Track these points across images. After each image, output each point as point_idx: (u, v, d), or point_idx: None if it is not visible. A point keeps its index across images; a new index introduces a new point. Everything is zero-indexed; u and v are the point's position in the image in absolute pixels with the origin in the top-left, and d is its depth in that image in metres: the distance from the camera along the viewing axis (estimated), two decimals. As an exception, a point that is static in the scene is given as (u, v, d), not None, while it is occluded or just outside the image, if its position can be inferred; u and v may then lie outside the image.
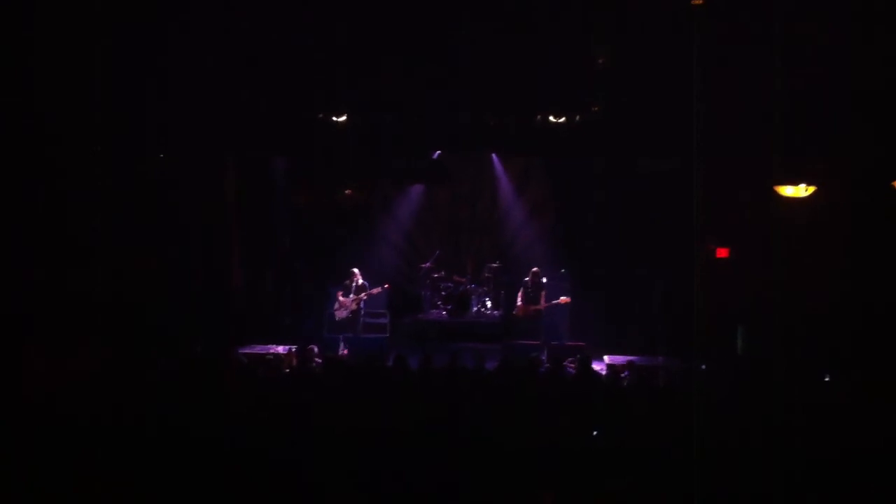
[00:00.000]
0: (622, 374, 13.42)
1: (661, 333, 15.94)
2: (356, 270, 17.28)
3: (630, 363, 14.41)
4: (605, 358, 15.13)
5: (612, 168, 17.29)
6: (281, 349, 15.23)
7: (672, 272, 15.50)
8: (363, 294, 17.13)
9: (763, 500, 9.14)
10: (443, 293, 18.60)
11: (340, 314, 17.09)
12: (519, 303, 17.31)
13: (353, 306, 17.08)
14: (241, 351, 14.94)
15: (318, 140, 17.07)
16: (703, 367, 11.36)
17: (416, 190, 19.75)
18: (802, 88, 13.36)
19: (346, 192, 19.85)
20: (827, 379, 12.48)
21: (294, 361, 13.88)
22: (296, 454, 9.58)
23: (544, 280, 17.18)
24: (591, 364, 13.38)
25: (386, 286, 17.36)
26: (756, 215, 14.44)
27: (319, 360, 13.56)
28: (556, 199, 19.25)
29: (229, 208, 17.60)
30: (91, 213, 13.45)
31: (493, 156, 19.54)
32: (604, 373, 13.97)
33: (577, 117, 16.55)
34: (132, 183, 14.37)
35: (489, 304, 18.73)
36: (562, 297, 16.96)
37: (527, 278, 17.22)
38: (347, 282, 17.19)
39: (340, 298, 17.14)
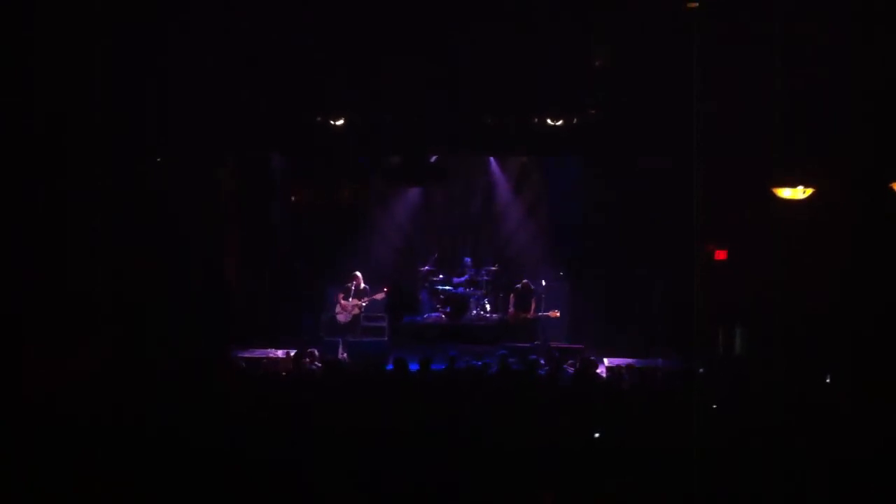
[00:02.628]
0: (623, 377, 13.43)
1: (660, 334, 15.92)
2: (358, 273, 17.24)
3: (630, 366, 14.40)
4: (605, 360, 15.09)
5: (611, 168, 17.27)
6: (280, 353, 15.20)
7: (672, 272, 15.50)
8: (365, 299, 17.08)
9: (763, 500, 9.13)
10: (441, 296, 18.55)
11: (342, 317, 17.03)
12: (510, 309, 17.42)
13: (355, 310, 17.03)
14: (240, 355, 14.96)
15: (316, 140, 17.06)
16: (703, 369, 11.41)
17: (414, 190, 19.71)
18: (802, 88, 13.37)
19: (344, 191, 19.84)
20: (828, 380, 12.48)
21: (293, 365, 13.87)
22: (296, 454, 9.58)
23: (543, 283, 17.27)
24: (589, 366, 13.35)
25: (385, 290, 17.30)
26: (756, 215, 14.43)
27: (319, 364, 13.56)
28: (554, 198, 19.22)
29: (228, 208, 17.58)
30: (91, 213, 13.44)
31: (491, 157, 19.53)
32: (603, 375, 13.97)
33: (575, 120, 16.54)
34: (132, 183, 14.35)
35: (487, 306, 18.69)
36: (552, 311, 17.01)
37: (517, 286, 17.33)
38: (349, 284, 17.13)
39: (342, 301, 17.09)
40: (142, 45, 13.77)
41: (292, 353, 14.45)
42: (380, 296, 17.19)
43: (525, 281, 17.46)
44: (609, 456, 9.81)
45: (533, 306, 17.16)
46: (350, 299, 17.07)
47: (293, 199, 19.42)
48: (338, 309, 17.12)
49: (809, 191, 13.91)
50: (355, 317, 17.05)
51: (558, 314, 17.04)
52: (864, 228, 14.18)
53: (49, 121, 12.67)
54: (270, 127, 16.48)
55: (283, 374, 13.71)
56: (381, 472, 9.34)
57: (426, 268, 18.78)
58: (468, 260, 18.87)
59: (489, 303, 18.69)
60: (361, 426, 10.20)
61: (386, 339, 17.42)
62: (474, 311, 18.51)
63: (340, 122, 16.59)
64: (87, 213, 13.45)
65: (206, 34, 14.48)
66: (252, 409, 10.93)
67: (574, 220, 18.44)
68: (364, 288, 17.16)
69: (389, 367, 13.10)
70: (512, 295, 17.52)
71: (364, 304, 17.07)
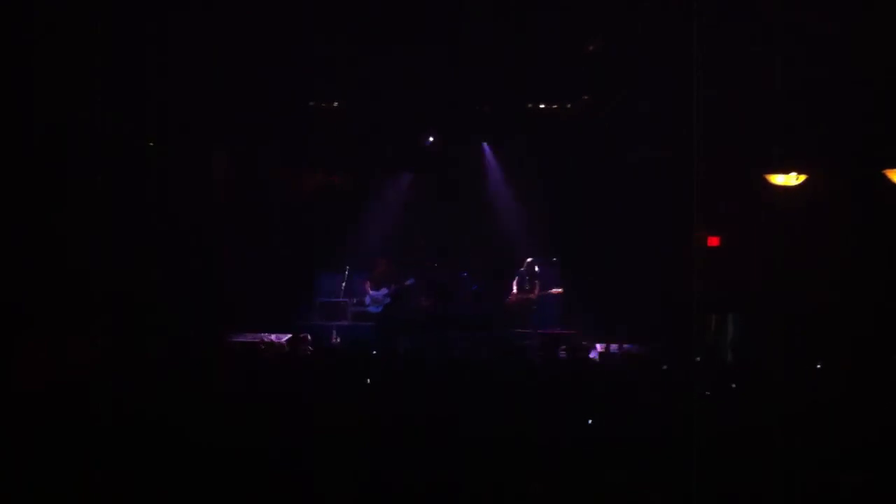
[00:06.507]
0: (615, 362, 13.46)
1: (654, 322, 15.95)
2: (383, 260, 17.12)
3: (623, 352, 14.44)
4: (597, 346, 15.14)
5: (606, 156, 17.29)
6: (273, 338, 15.18)
7: (667, 261, 15.51)
8: (393, 286, 16.91)
9: (761, 493, 9.14)
10: (433, 282, 18.48)
11: (374, 309, 16.82)
12: (513, 291, 17.42)
13: (387, 300, 16.85)
14: (234, 339, 14.94)
15: (310, 127, 17.02)
16: (698, 358, 11.41)
17: (408, 177, 19.68)
18: (801, 78, 13.39)
19: (337, 178, 19.79)
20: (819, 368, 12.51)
21: (287, 349, 13.88)
22: (293, 451, 9.54)
23: (537, 269, 17.27)
24: (583, 351, 13.41)
25: (412, 280, 17.22)
26: (752, 206, 14.47)
27: (311, 349, 13.56)
28: (549, 186, 19.19)
29: (223, 196, 17.53)
30: (88, 204, 13.38)
31: (485, 143, 19.50)
32: (596, 360, 14.02)
33: (569, 107, 16.57)
34: (128, 172, 14.30)
35: (480, 292, 18.64)
36: (554, 289, 17.10)
37: (521, 268, 17.33)
38: (376, 273, 16.92)
39: (371, 292, 16.90)
40: (139, 36, 13.71)
41: (283, 338, 14.43)
42: (409, 282, 17.09)
43: (529, 259, 17.53)
44: (604, 446, 9.79)
45: (537, 286, 17.27)
46: (381, 289, 16.91)
47: (288, 186, 19.39)
48: (368, 300, 16.94)
49: (803, 177, 13.96)
50: (387, 306, 16.85)
51: (561, 291, 17.21)
52: (859, 218, 14.23)
53: (47, 114, 12.65)
54: (265, 114, 16.43)
55: (278, 359, 13.71)
56: (374, 463, 9.31)
57: (418, 253, 18.75)
58: (460, 245, 18.87)
59: (481, 288, 18.64)
60: (353, 414, 10.18)
61: (378, 324, 17.39)
62: (466, 297, 18.47)
63: (335, 109, 16.57)
64: (84, 204, 13.40)
65: (199, 21, 14.42)
66: (247, 397, 10.91)
67: (568, 207, 18.44)
68: (391, 274, 17.00)
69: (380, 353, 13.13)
70: (515, 278, 17.58)
71: (394, 291, 16.92)
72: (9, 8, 12.18)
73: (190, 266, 16.10)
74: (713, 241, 15.41)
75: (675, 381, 11.44)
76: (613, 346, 14.86)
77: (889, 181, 13.42)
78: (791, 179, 14.00)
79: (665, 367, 12.39)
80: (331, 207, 19.38)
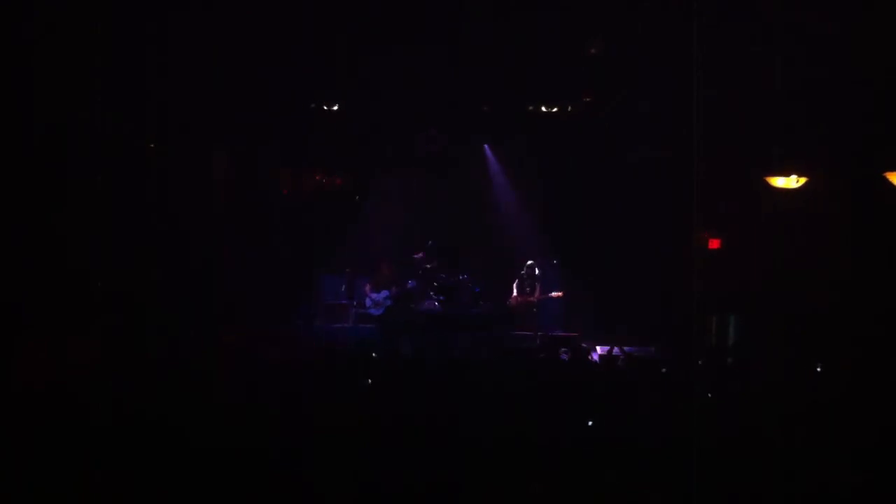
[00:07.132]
0: (616, 364, 13.43)
1: (655, 324, 15.96)
2: (384, 261, 17.08)
3: (624, 353, 14.41)
4: (598, 348, 15.13)
5: (607, 156, 17.29)
6: None
7: (667, 262, 15.52)
8: (394, 289, 16.86)
9: (761, 493, 9.12)
10: (435, 284, 18.47)
11: (375, 311, 16.75)
12: (514, 294, 17.42)
13: (388, 302, 16.80)
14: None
15: (310, 127, 17.01)
16: (700, 361, 11.41)
17: (409, 178, 19.67)
18: (801, 78, 13.38)
19: (337, 179, 19.79)
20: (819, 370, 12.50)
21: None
22: (293, 451, 9.52)
23: (538, 272, 17.28)
24: (584, 353, 13.40)
25: (413, 283, 17.18)
26: (752, 207, 14.45)
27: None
28: (549, 186, 19.21)
29: (221, 196, 17.52)
30: (89, 204, 13.39)
31: (486, 144, 19.51)
32: (597, 362, 14.00)
33: (570, 108, 16.57)
34: (128, 173, 14.29)
35: (482, 294, 18.63)
36: (554, 292, 17.12)
37: (522, 271, 17.35)
38: (377, 275, 16.87)
39: (372, 295, 16.84)
40: (139, 36, 13.71)
41: None
42: (411, 284, 17.06)
43: (530, 262, 17.52)
44: (606, 447, 9.78)
45: (538, 289, 17.27)
46: (382, 292, 16.88)
47: (288, 186, 19.39)
48: (369, 303, 16.88)
49: (803, 180, 13.96)
50: (388, 308, 16.80)
51: (562, 294, 17.21)
52: (859, 219, 14.22)
53: (47, 114, 12.63)
54: (265, 114, 16.43)
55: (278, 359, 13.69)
56: (374, 463, 9.29)
57: (420, 255, 18.71)
58: (461, 247, 18.84)
59: (483, 290, 18.63)
60: (353, 415, 10.17)
61: (380, 326, 17.37)
62: (468, 299, 18.45)
63: (334, 109, 16.55)
64: (84, 204, 13.40)
65: (199, 22, 14.41)
66: (247, 397, 10.89)
67: (568, 208, 18.46)
68: (392, 276, 16.96)
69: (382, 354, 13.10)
70: (516, 280, 17.57)
71: (395, 294, 16.86)
72: (9, 8, 12.18)
73: (190, 266, 16.09)
74: (714, 244, 15.42)
75: (676, 381, 11.41)
76: (616, 350, 14.83)
77: (889, 183, 13.42)
78: (791, 182, 13.99)
79: (665, 370, 12.38)
80: (331, 207, 19.39)
